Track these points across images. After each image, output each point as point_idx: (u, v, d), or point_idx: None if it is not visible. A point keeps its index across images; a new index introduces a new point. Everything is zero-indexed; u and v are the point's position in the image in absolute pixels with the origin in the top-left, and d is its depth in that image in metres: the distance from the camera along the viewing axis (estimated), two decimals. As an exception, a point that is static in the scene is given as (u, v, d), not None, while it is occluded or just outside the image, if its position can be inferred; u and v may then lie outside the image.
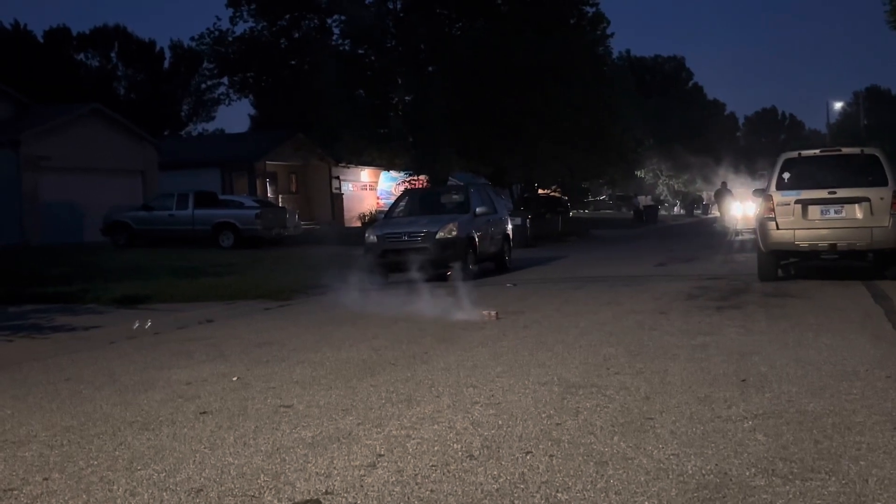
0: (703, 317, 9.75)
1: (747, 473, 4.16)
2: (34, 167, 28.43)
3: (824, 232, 12.74)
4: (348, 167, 41.29)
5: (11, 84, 34.25)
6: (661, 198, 78.05)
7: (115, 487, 4.28)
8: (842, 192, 12.74)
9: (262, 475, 4.37)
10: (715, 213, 49.78)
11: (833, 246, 12.73)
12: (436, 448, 4.72)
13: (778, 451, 4.48)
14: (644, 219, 51.94)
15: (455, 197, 18.74)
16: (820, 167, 13.43)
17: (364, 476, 4.31)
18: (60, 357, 8.52)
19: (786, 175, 13.29)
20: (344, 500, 3.99)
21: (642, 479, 4.13)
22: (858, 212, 12.63)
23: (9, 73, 43.28)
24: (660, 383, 6.16)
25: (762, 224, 13.23)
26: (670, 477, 4.14)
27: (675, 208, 79.79)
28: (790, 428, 4.88)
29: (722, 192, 38.77)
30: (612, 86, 37.75)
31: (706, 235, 32.22)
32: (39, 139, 28.97)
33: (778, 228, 13.00)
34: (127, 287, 14.39)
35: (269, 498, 4.05)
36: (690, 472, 4.21)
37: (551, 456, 4.51)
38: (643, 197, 57.39)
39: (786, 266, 14.19)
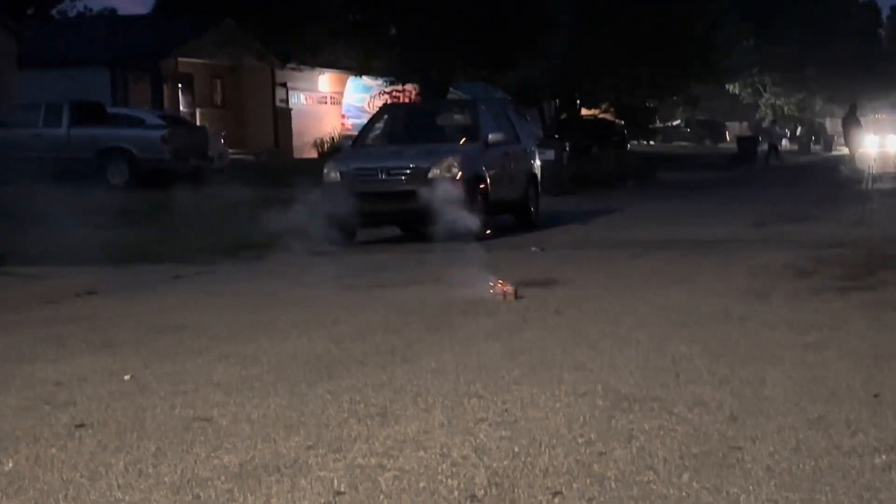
0: (819, 303, 9.75)
1: (877, 531, 4.18)
2: None
3: None
4: (300, 70, 41.08)
5: None
6: (764, 125, 77.72)
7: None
8: None
9: (166, 519, 4.41)
10: (842, 149, 49.67)
11: None
12: (421, 485, 4.74)
13: (923, 499, 4.51)
14: (746, 158, 51.66)
15: (458, 118, 18.67)
16: None
17: (315, 524, 4.34)
18: None
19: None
20: (285, 557, 4.03)
21: (723, 536, 4.16)
22: None
23: None
24: (753, 398, 6.18)
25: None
26: (764, 534, 4.17)
27: (784, 141, 79.61)
28: (942, 467, 4.91)
29: (851, 120, 38.68)
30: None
31: (828, 182, 32.15)
32: None
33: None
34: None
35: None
36: (794, 527, 4.24)
37: (590, 500, 4.53)
38: (744, 123, 57.12)
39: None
